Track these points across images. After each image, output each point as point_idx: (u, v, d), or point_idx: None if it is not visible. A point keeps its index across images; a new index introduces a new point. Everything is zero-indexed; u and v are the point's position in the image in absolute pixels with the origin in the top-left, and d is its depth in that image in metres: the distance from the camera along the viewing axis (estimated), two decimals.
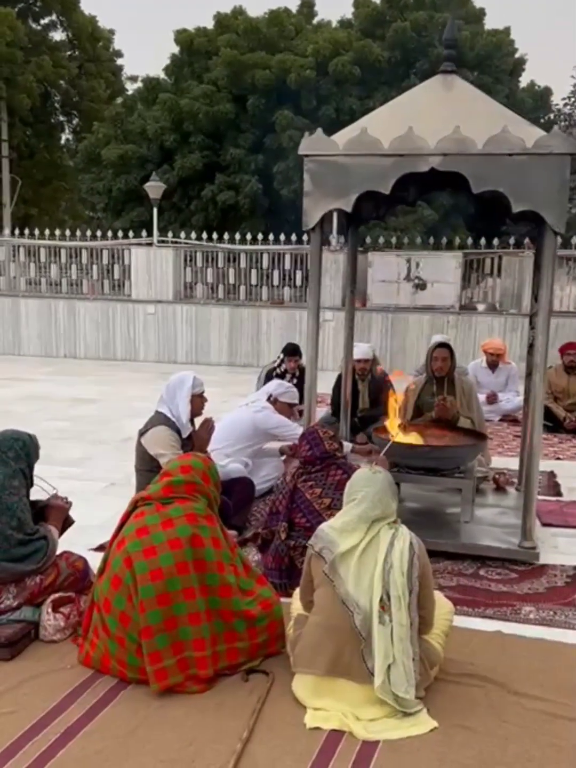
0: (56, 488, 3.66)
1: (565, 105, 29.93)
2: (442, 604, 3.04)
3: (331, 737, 2.61)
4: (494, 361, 8.87)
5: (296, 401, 5.79)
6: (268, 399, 5.60)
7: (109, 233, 14.00)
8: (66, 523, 3.70)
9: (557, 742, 2.56)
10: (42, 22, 29.42)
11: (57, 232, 13.97)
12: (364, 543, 2.82)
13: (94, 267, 14.04)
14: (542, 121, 23.35)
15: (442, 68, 4.48)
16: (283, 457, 5.56)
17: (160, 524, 3.00)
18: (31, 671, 3.00)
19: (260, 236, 13.23)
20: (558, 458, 6.79)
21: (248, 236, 13.23)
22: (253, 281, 13.55)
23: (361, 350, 7.24)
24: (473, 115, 4.12)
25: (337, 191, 4.07)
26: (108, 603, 2.96)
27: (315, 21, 25.85)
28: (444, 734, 2.63)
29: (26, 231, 14.20)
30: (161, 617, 2.85)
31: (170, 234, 13.94)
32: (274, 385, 5.79)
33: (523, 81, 25.25)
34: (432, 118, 4.08)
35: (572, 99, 29.71)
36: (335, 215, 6.91)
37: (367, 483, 2.97)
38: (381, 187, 3.99)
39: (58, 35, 29.91)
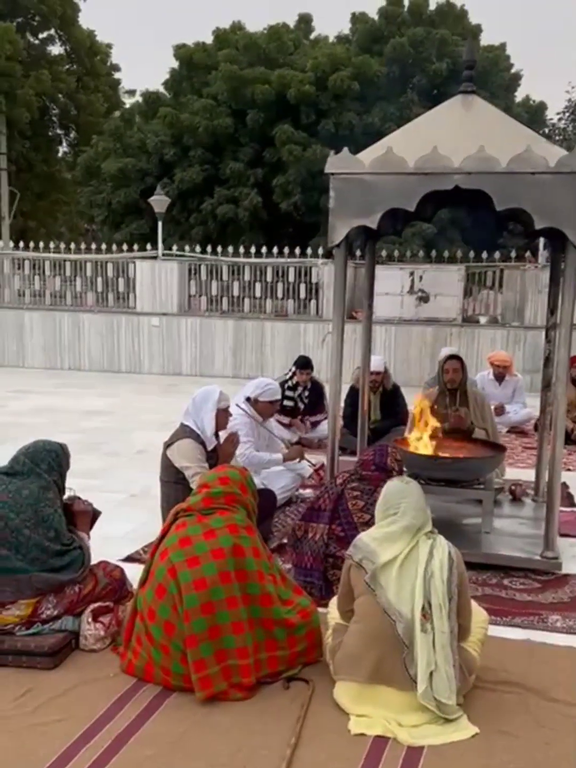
0: (73, 489, 3.70)
1: (560, 119, 30.19)
2: (477, 612, 3.11)
3: (375, 743, 2.67)
4: (501, 373, 8.96)
5: (277, 398, 5.61)
6: (249, 400, 5.47)
7: (110, 246, 14.10)
8: (93, 517, 3.76)
9: None
10: (41, 36, 29.58)
11: (61, 245, 14.05)
12: (404, 553, 2.89)
13: (99, 279, 14.12)
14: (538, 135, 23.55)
15: (462, 88, 4.58)
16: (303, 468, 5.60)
17: (202, 534, 3.06)
18: (74, 680, 3.06)
19: (264, 249, 13.34)
20: (569, 469, 6.86)
21: (252, 249, 13.34)
22: (257, 294, 13.66)
23: (374, 363, 7.33)
24: (495, 134, 4.22)
25: (363, 208, 4.16)
26: (152, 612, 3.01)
27: (313, 36, 26.12)
28: (486, 740, 2.69)
29: (31, 244, 14.26)
30: (206, 626, 2.91)
31: (174, 247, 14.01)
32: (253, 386, 5.53)
33: (519, 96, 25.55)
34: (454, 137, 4.19)
35: (566, 114, 29.95)
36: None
37: (403, 494, 3.05)
38: (406, 204, 4.08)
39: (56, 49, 30.12)
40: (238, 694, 2.92)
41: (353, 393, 7.12)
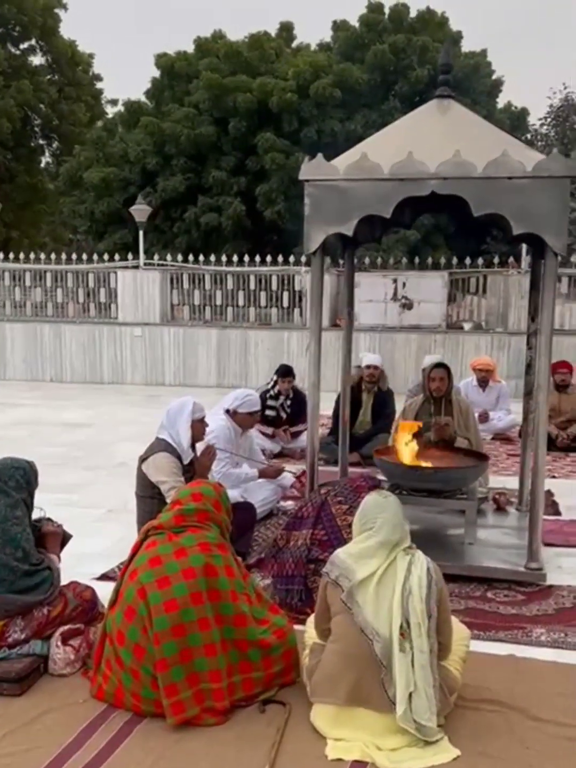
0: (42, 509, 3.59)
1: (542, 125, 30.33)
2: (458, 629, 3.02)
3: None
4: (485, 378, 8.91)
5: (257, 408, 5.48)
6: (228, 412, 5.36)
7: (94, 256, 14.00)
8: (64, 539, 3.66)
9: None
10: (21, 46, 29.42)
11: (41, 255, 13.92)
12: (381, 570, 2.80)
13: (80, 290, 13.99)
14: (520, 141, 23.68)
15: (439, 93, 4.52)
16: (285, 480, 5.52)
17: (172, 554, 2.96)
18: (43, 706, 2.94)
19: (246, 257, 13.27)
20: (553, 476, 6.80)
21: (235, 258, 13.27)
22: (241, 302, 13.58)
23: (370, 358, 7.33)
24: (471, 139, 4.15)
25: (339, 215, 4.08)
26: (121, 635, 2.91)
27: (294, 44, 26.18)
28: (467, 762, 2.60)
29: (10, 255, 14.13)
30: (176, 649, 2.81)
31: (156, 257, 13.92)
32: (231, 398, 5.41)
33: (501, 102, 25.69)
34: (431, 142, 4.11)
35: (549, 119, 30.09)
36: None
37: (381, 509, 2.96)
38: (382, 211, 4.01)
39: (37, 59, 29.96)
40: (211, 719, 2.81)
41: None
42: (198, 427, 4.47)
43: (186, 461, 4.41)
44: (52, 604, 3.27)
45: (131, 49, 63.99)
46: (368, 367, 7.28)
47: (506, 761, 2.60)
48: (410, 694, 2.65)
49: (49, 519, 3.63)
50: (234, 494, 4.94)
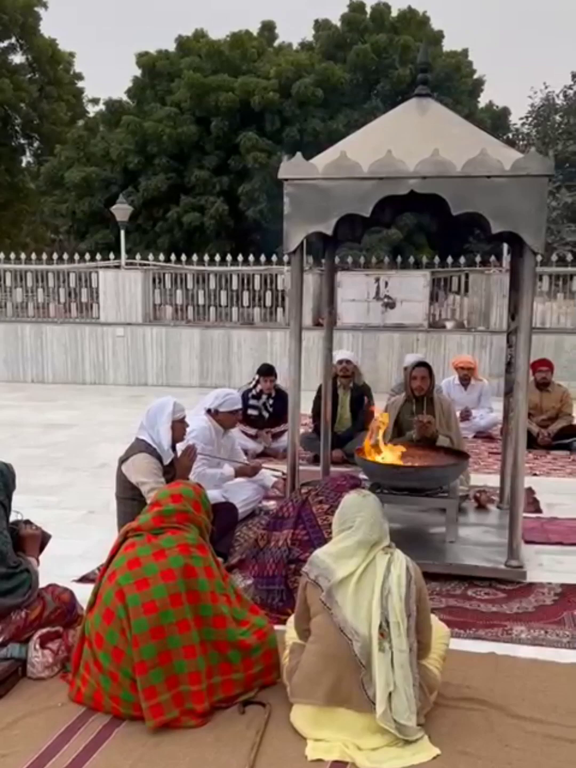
0: (20, 512, 3.56)
1: (523, 124, 30.51)
2: (438, 627, 3.02)
3: None
4: (466, 377, 8.94)
5: (238, 407, 5.46)
6: (209, 412, 5.33)
7: (76, 256, 13.92)
8: (43, 541, 3.63)
9: (562, 766, 2.55)
10: (1, 45, 29.22)
11: (22, 255, 13.82)
12: (360, 570, 2.80)
13: (61, 290, 13.91)
14: (502, 140, 23.79)
15: (417, 92, 4.52)
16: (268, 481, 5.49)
17: (151, 556, 2.94)
18: (21, 711, 2.92)
19: (229, 257, 13.23)
20: (534, 474, 6.83)
21: (217, 257, 13.23)
22: (223, 302, 13.54)
23: (343, 353, 7.35)
24: (450, 137, 4.15)
25: (318, 214, 4.07)
26: (100, 638, 2.89)
27: (276, 44, 26.11)
28: (447, 761, 2.60)
29: None
30: (155, 651, 2.79)
31: (138, 256, 13.85)
32: (212, 397, 5.38)
33: (482, 101, 25.78)
34: (409, 141, 4.11)
35: (530, 118, 30.27)
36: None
37: (360, 508, 2.95)
38: (361, 209, 4.00)
39: (17, 58, 29.68)
40: (191, 721, 2.80)
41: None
42: (178, 427, 4.45)
43: (166, 462, 4.39)
44: (30, 607, 3.25)
45: (112, 48, 63.77)
46: (341, 361, 7.24)
47: (486, 759, 2.60)
48: (390, 694, 2.65)
49: (27, 521, 3.59)
50: (215, 494, 4.93)
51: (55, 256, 13.84)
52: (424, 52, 4.76)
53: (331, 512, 3.69)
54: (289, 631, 3.12)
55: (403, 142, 4.08)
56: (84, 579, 4.22)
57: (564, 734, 2.73)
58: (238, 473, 5.36)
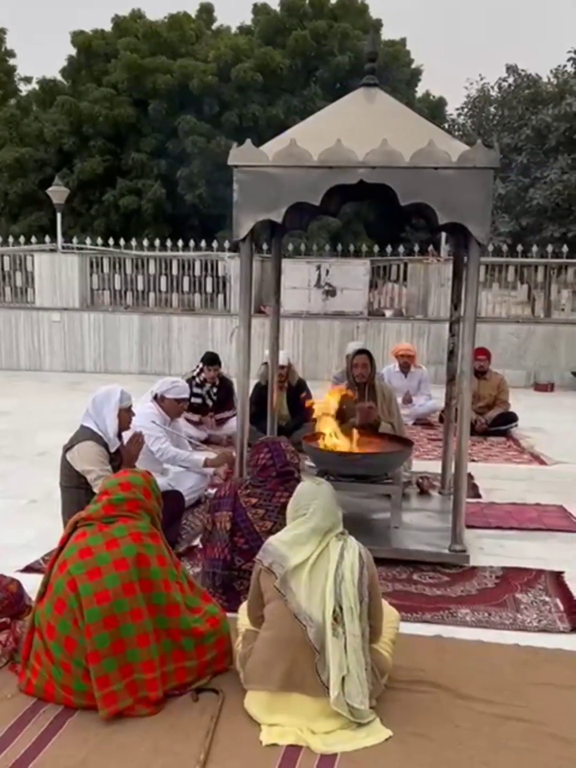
0: None
1: (459, 115, 30.84)
2: (388, 612, 3.08)
3: (288, 753, 2.59)
4: (406, 364, 9.07)
5: (185, 396, 5.46)
6: (155, 398, 5.31)
7: (9, 239, 13.56)
8: None
9: (510, 743, 2.63)
10: None
11: None
12: (314, 556, 2.82)
13: None
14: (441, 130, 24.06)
15: (365, 81, 4.54)
16: (211, 471, 5.45)
17: (103, 545, 2.91)
18: None
19: (169, 242, 13.09)
20: (473, 460, 6.98)
21: (156, 242, 13.07)
22: (163, 288, 13.40)
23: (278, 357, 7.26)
24: (397, 128, 4.19)
25: (268, 202, 4.06)
26: (51, 628, 2.85)
27: (214, 27, 25.83)
28: (400, 742, 2.65)
29: None
30: (109, 640, 2.77)
31: (75, 240, 13.58)
32: (159, 384, 5.39)
33: (419, 91, 25.97)
34: (358, 130, 4.13)
35: (465, 109, 30.62)
36: None
37: (314, 495, 2.98)
38: (311, 198, 4.01)
39: None
40: (144, 709, 2.79)
41: (258, 390, 7.02)
42: (125, 416, 4.41)
43: (112, 450, 4.34)
44: None
45: (46, 26, 62.05)
46: (282, 367, 7.18)
47: (436, 740, 2.67)
48: (343, 678, 2.69)
49: None
50: (161, 483, 4.87)
51: None
52: (372, 41, 4.79)
53: (267, 517, 3.66)
54: (241, 618, 3.14)
55: (352, 131, 4.09)
56: (28, 569, 4.15)
57: (511, 713, 2.82)
58: (209, 464, 5.34)
